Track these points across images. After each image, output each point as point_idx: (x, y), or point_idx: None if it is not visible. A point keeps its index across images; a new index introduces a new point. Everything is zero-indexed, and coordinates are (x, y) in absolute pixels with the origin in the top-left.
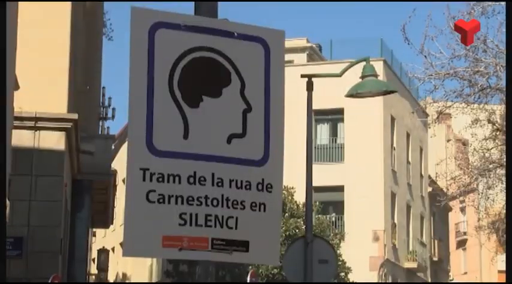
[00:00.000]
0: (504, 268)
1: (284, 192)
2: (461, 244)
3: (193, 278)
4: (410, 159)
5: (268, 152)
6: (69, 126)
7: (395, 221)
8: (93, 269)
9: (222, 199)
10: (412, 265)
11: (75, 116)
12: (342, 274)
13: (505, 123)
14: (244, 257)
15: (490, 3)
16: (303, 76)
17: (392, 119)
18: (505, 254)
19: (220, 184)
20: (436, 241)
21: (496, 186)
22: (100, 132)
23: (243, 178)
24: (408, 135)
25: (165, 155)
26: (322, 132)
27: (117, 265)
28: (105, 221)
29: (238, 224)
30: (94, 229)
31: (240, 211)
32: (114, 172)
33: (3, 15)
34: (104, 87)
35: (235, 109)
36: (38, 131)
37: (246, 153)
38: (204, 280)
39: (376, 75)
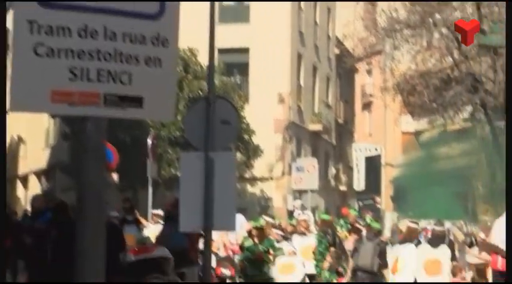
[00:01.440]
0: (408, 130)
1: (187, 53)
2: (367, 106)
3: (86, 136)
4: (317, 20)
5: (164, 5)
6: None
7: (301, 83)
8: None
9: (115, 53)
10: (317, 127)
11: None
12: (246, 136)
13: None
14: (138, 113)
15: None
16: None
17: None
18: (409, 115)
19: (113, 38)
20: (341, 103)
21: (402, 47)
22: None
23: (137, 32)
24: None
25: (54, 6)
26: None
27: (11, 127)
28: None
29: (132, 79)
30: None
31: (134, 66)
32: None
33: (3, 15)
34: None
35: None
36: None
37: (140, 5)
38: (96, 137)
39: None
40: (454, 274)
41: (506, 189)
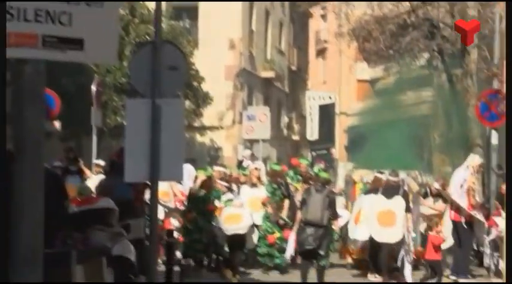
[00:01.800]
0: (363, 77)
1: None
2: (321, 52)
3: (24, 79)
4: None
5: None
6: None
7: (253, 28)
8: None
9: None
10: (269, 74)
11: None
12: (195, 83)
13: None
14: (79, 56)
15: None
16: None
17: None
18: (364, 62)
19: None
20: (295, 50)
21: None
22: None
23: None
24: None
25: None
26: None
27: None
28: None
29: (72, 20)
30: None
31: (75, 6)
32: None
33: (3, 15)
34: None
35: None
36: None
37: None
38: (36, 81)
39: None
40: (430, 229)
41: (506, 189)
